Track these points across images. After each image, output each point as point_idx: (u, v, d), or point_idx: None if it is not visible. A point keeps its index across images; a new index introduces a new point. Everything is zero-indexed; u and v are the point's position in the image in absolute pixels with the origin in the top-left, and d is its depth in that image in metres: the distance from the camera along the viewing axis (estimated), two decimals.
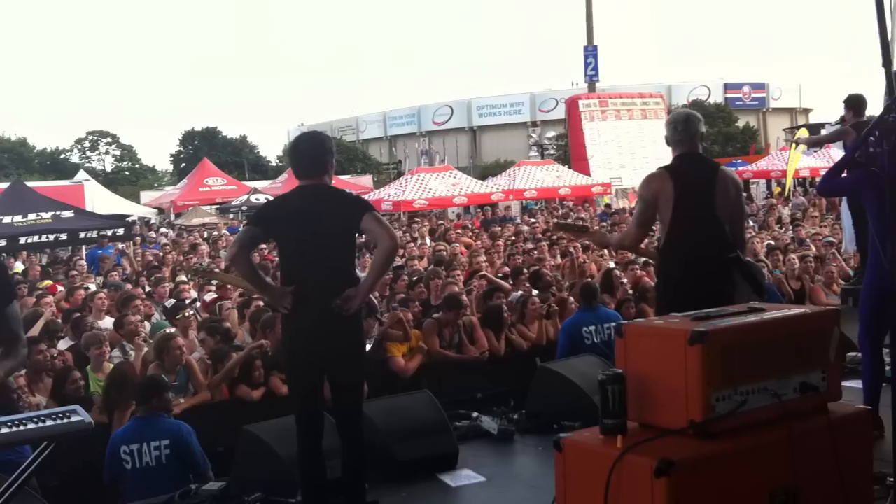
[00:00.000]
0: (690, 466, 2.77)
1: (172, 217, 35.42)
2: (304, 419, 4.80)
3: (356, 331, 4.84)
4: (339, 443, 4.95)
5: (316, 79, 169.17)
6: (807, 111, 70.36)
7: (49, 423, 4.21)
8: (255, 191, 35.15)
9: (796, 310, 3.42)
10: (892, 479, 3.69)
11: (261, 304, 8.68)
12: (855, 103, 8.66)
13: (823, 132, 36.41)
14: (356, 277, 4.91)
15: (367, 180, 44.00)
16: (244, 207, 33.14)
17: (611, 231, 15.96)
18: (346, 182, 39.73)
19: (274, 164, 68.35)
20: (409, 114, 74.70)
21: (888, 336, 5.23)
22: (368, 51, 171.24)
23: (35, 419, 4.23)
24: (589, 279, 10.42)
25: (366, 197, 27.06)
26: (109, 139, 71.49)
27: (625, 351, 3.14)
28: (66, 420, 4.28)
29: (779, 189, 31.31)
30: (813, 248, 11.48)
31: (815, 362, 3.20)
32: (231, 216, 32.90)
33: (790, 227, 14.73)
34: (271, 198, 36.45)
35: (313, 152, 4.89)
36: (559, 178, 29.00)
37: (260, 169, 63.72)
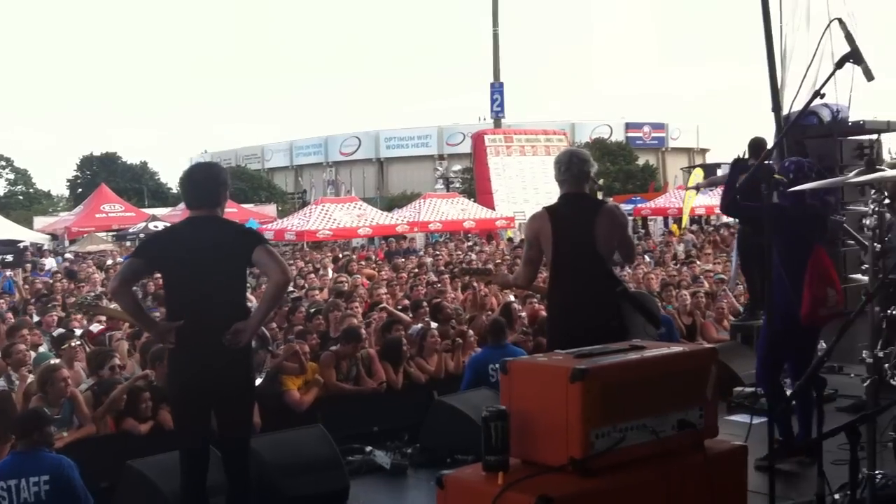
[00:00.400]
0: (569, 503, 2.80)
1: (66, 243, 34.30)
2: (189, 454, 4.69)
3: (245, 364, 4.77)
4: (223, 479, 4.86)
5: (220, 106, 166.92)
6: (703, 151, 72.92)
7: None
8: (154, 218, 34.43)
9: (675, 348, 3.51)
10: None
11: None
12: (756, 146, 9.04)
13: (719, 172, 37.81)
14: (247, 310, 4.85)
15: (271, 209, 43.58)
16: (142, 235, 32.41)
17: (513, 266, 16.21)
18: (249, 211, 39.26)
19: (175, 191, 67.03)
20: (315, 143, 74.37)
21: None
22: (275, 79, 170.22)
23: None
24: (490, 312, 10.51)
25: (269, 226, 26.87)
26: (3, 162, 68.97)
27: (509, 387, 3.17)
28: None
29: (675, 226, 32.29)
30: (706, 285, 11.81)
31: (693, 400, 3.29)
32: (128, 243, 32.09)
33: (685, 264, 15.13)
34: (170, 225, 35.89)
35: (207, 183, 4.80)
36: (464, 210, 29.27)
37: (160, 196, 62.48)
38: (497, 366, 7.70)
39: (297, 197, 58.68)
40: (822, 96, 4.41)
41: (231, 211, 36.09)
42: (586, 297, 4.93)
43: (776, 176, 5.17)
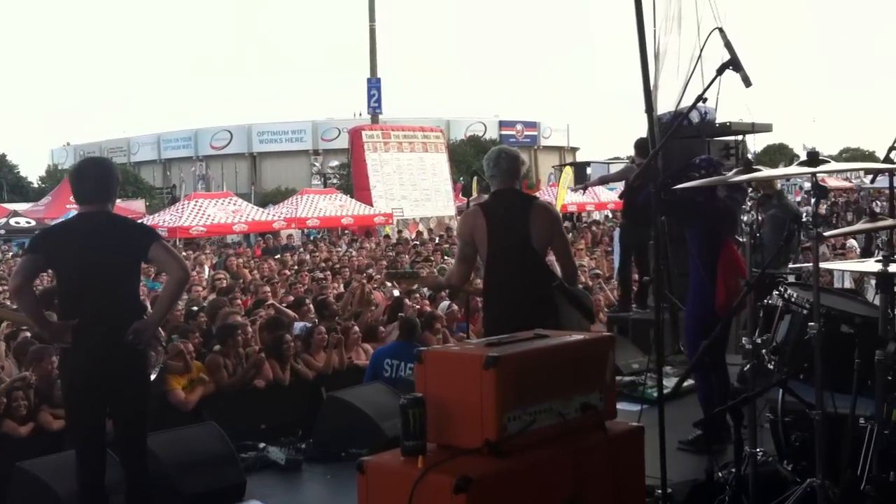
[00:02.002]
0: (487, 482, 2.95)
1: None
2: (86, 455, 4.61)
3: (141, 361, 4.75)
4: (122, 478, 4.80)
5: (84, 96, 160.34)
6: (574, 150, 74.91)
7: None
8: (15, 213, 32.83)
9: (576, 336, 3.70)
10: (659, 492, 4.06)
11: (28, 335, 8.18)
12: (642, 146, 9.47)
13: (589, 170, 39.04)
14: (143, 307, 4.82)
15: (139, 205, 42.14)
16: (2, 231, 30.92)
17: (395, 261, 16.33)
18: (116, 206, 37.91)
19: (36, 185, 64.06)
20: (185, 137, 72.33)
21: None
22: (141, 69, 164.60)
23: None
24: (373, 308, 10.62)
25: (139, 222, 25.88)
26: None
27: (424, 376, 3.29)
28: None
29: None
30: (581, 279, 12.24)
31: (594, 384, 3.49)
32: None
33: None
34: (32, 221, 34.21)
35: (101, 178, 4.76)
36: (342, 207, 29.22)
37: (20, 190, 59.50)
38: (393, 361, 7.95)
39: (167, 192, 57.04)
40: (705, 101, 4.71)
41: None
42: (523, 293, 4.99)
43: (689, 174, 5.46)
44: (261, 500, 5.67)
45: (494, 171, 5.22)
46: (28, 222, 31.82)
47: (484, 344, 3.40)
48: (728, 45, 4.37)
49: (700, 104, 6.32)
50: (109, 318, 4.53)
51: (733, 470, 4.07)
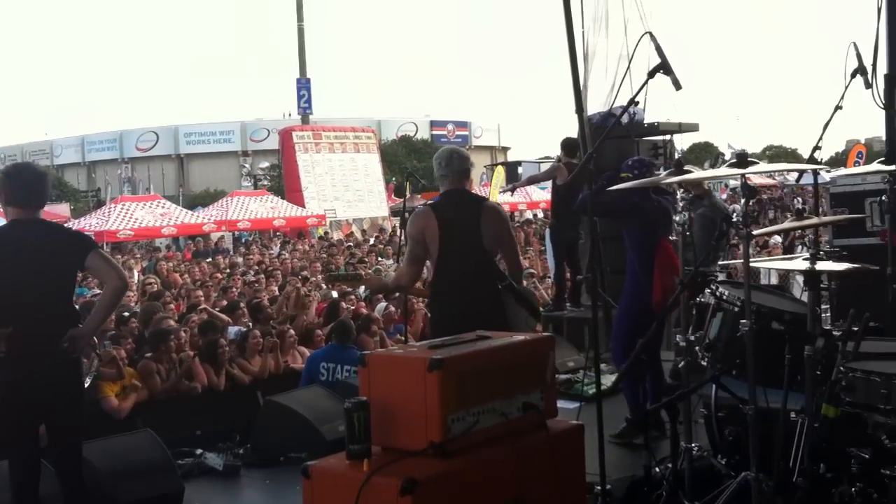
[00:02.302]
0: (432, 483, 2.98)
1: None
2: (19, 465, 4.52)
3: (75, 370, 4.69)
4: (57, 488, 4.71)
5: (2, 97, 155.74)
6: (505, 150, 75.40)
7: None
8: None
9: (518, 337, 3.75)
10: (599, 488, 4.14)
11: None
12: (568, 146, 9.57)
13: (520, 169, 39.36)
14: (78, 316, 4.75)
15: (63, 209, 40.98)
16: None
17: (328, 263, 16.25)
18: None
19: None
20: (110, 139, 70.77)
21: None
22: (63, 69, 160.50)
23: None
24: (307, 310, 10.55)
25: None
26: None
27: (368, 379, 3.30)
28: None
29: None
30: None
31: (535, 384, 3.54)
32: None
33: None
34: None
35: (37, 184, 4.69)
36: (274, 209, 28.93)
37: None
38: (329, 364, 7.91)
39: (91, 195, 55.74)
40: (637, 104, 4.80)
41: None
42: (473, 293, 4.98)
43: (622, 175, 5.55)
44: None
45: (446, 170, 5.18)
46: None
47: (427, 346, 3.42)
48: (658, 49, 4.47)
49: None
50: (44, 327, 4.47)
51: (670, 465, 4.16)
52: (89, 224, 26.21)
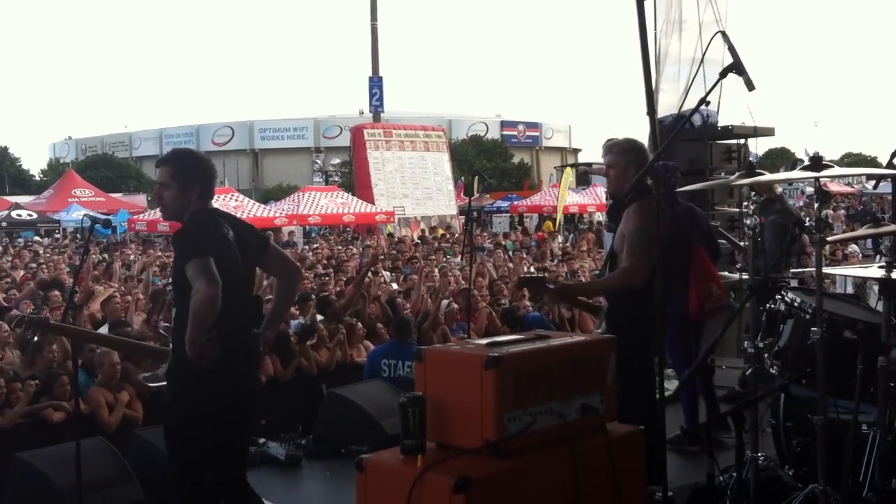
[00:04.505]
0: (486, 483, 2.94)
1: None
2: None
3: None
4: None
5: (86, 90, 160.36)
6: (576, 151, 74.91)
7: None
8: (17, 206, 32.91)
9: (577, 337, 3.69)
10: (660, 495, 4.05)
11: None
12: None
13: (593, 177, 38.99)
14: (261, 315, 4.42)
15: (141, 199, 42.21)
16: (4, 223, 30.95)
17: (396, 261, 16.24)
18: (119, 200, 37.98)
19: (38, 178, 64.04)
20: (187, 132, 72.37)
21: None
22: (143, 64, 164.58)
23: None
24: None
25: (141, 217, 25.69)
26: None
27: (424, 375, 3.28)
28: None
29: (549, 224, 33.12)
30: (582, 280, 12.23)
31: (595, 386, 3.47)
32: None
33: (562, 261, 15.57)
34: (34, 214, 34.22)
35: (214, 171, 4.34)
36: (344, 204, 29.19)
37: (22, 183, 59.55)
38: (390, 361, 7.92)
39: None
40: (708, 104, 4.68)
41: (99, 200, 35.22)
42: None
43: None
44: (261, 495, 5.64)
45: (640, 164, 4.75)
46: (30, 215, 31.89)
47: (485, 344, 3.38)
48: (731, 49, 4.35)
49: (702, 107, 6.29)
50: (246, 328, 4.11)
51: (734, 474, 4.05)
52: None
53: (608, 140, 5.15)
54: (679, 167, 6.26)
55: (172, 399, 4.07)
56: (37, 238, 29.22)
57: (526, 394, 3.18)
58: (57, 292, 10.14)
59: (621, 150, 4.81)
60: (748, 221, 4.70)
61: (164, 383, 4.27)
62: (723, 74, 4.33)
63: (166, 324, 4.83)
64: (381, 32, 36.34)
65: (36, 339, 6.98)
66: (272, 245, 4.43)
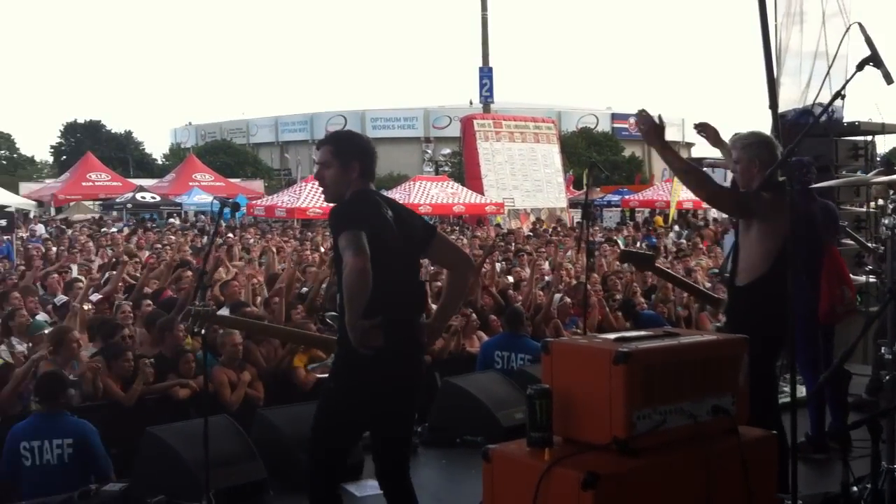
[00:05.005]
0: (615, 480, 2.91)
1: (52, 211, 34.07)
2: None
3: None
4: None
5: (204, 77, 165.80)
6: (689, 145, 73.09)
7: None
8: (141, 189, 34.29)
9: (709, 336, 3.61)
10: (790, 503, 3.93)
11: (151, 306, 8.51)
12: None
13: (707, 169, 38.06)
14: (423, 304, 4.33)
15: (258, 185, 43.45)
16: (129, 205, 32.29)
17: (506, 252, 16.21)
18: (238, 186, 39.15)
19: (160, 162, 66.57)
20: (301, 121, 73.99)
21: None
22: (260, 52, 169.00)
23: None
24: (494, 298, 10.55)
25: (259, 202, 26.22)
26: None
27: (550, 367, 3.27)
28: None
29: (659, 219, 32.50)
30: (699, 278, 11.95)
31: (726, 387, 3.39)
32: (115, 213, 31.97)
33: (677, 258, 15.22)
34: (157, 197, 35.67)
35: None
36: (454, 195, 29.32)
37: (145, 167, 62.05)
38: (503, 353, 7.92)
39: (284, 174, 58.43)
40: (844, 97, 4.50)
41: (218, 185, 36.37)
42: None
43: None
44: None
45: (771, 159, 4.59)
46: (153, 197, 33.18)
47: (613, 339, 3.34)
48: (868, 41, 4.17)
49: (823, 102, 6.01)
50: (410, 318, 3.93)
51: (868, 485, 3.90)
52: (282, 201, 27.53)
53: (735, 134, 5.00)
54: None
55: (333, 383, 3.97)
56: (172, 220, 30.21)
57: (656, 392, 3.13)
58: (189, 272, 10.49)
59: (744, 145, 4.66)
60: (886, 221, 4.50)
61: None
62: (859, 67, 4.16)
63: (333, 312, 4.82)
64: (492, 23, 36.29)
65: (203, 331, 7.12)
66: (440, 234, 4.25)
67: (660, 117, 4.44)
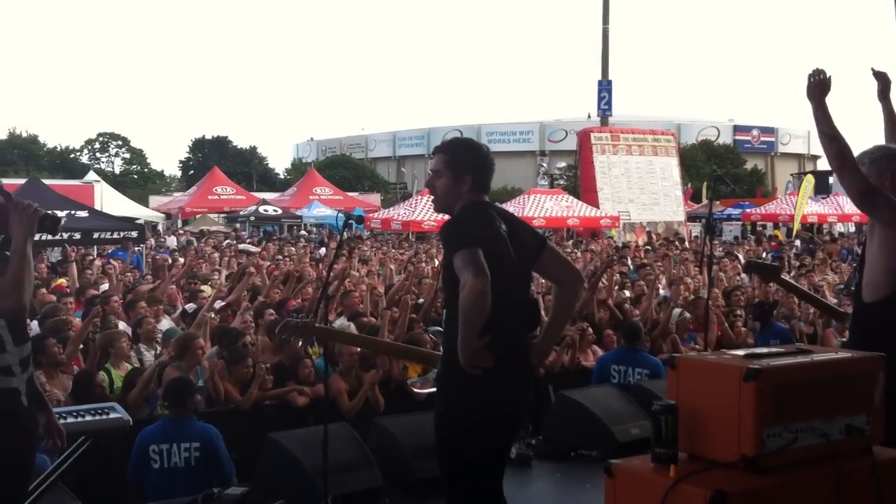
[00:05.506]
0: (743, 499, 2.81)
1: (179, 223, 35.49)
2: None
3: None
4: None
5: (325, 95, 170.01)
6: (815, 158, 70.72)
7: (88, 418, 4.28)
8: (264, 202, 35.34)
9: (843, 353, 3.46)
10: None
11: (274, 315, 8.72)
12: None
13: (831, 179, 36.67)
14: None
15: (374, 198, 44.21)
16: (252, 218, 33.32)
17: (620, 263, 15.98)
18: (355, 199, 39.94)
19: (282, 176, 68.55)
20: (418, 135, 75.02)
21: None
22: (378, 69, 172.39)
23: (74, 413, 4.28)
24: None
25: (376, 215, 26.68)
26: (120, 142, 71.92)
27: (677, 383, 3.19)
28: (104, 416, 4.35)
29: (778, 232, 31.49)
30: (826, 294, 11.50)
31: (860, 405, 3.25)
32: (238, 226, 33.04)
33: (801, 274, 14.70)
34: (279, 210, 36.72)
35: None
36: (568, 208, 29.14)
37: (268, 181, 63.99)
38: (620, 367, 7.79)
39: (400, 187, 59.29)
40: None
41: (337, 198, 37.17)
42: None
43: None
44: None
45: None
46: (275, 210, 34.15)
47: (743, 355, 3.24)
48: None
49: None
50: (521, 336, 3.79)
51: None
52: (398, 214, 27.96)
53: (861, 152, 4.76)
54: None
55: (443, 405, 3.79)
56: (303, 233, 30.95)
57: (786, 409, 3.02)
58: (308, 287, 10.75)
59: (872, 159, 4.45)
60: None
61: (434, 389, 4.13)
62: None
63: (437, 328, 4.77)
64: (612, 35, 35.84)
65: (301, 343, 7.25)
66: (550, 246, 4.08)
67: (830, 77, 4.27)
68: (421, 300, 9.96)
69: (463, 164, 3.88)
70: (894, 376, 3.96)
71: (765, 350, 3.33)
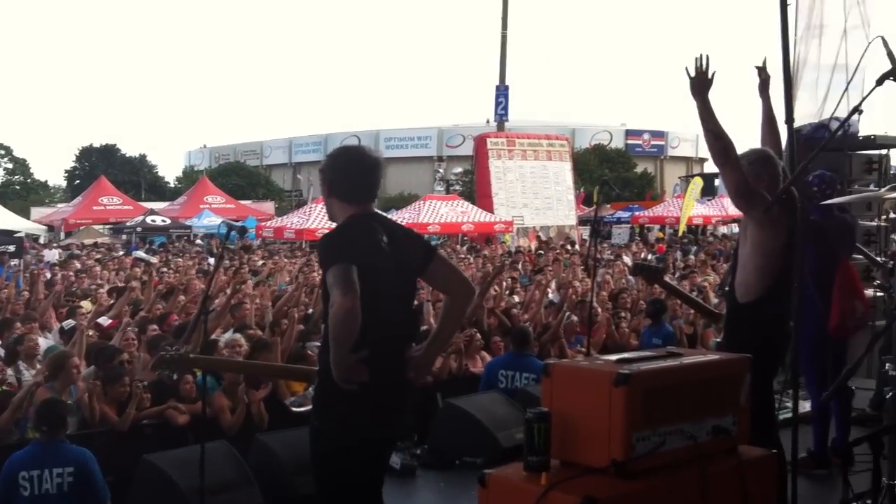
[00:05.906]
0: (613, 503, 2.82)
1: (62, 235, 34.17)
2: None
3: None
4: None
5: (219, 101, 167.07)
6: (702, 160, 73.00)
7: None
8: (152, 212, 34.39)
9: (711, 356, 3.53)
10: None
11: (157, 329, 8.44)
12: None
13: (717, 181, 37.96)
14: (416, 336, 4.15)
15: (269, 206, 43.53)
16: (139, 229, 32.36)
17: (510, 269, 16.14)
18: (248, 207, 39.22)
19: (172, 185, 66.91)
20: (315, 141, 74.19)
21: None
22: (274, 75, 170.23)
23: None
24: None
25: (268, 224, 26.21)
26: (2, 151, 68.88)
27: (550, 390, 3.19)
28: None
29: (660, 234, 32.40)
30: (707, 295, 11.82)
31: (727, 407, 3.32)
32: (124, 237, 32.04)
33: (684, 276, 15.08)
34: (168, 220, 35.65)
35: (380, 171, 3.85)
36: (463, 213, 29.27)
37: (157, 190, 62.37)
38: (507, 372, 7.82)
39: (295, 195, 58.58)
40: (861, 112, 4.43)
41: (229, 207, 36.43)
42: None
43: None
44: None
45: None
46: (163, 220, 33.23)
47: (614, 360, 3.26)
48: (890, 55, 4.11)
49: (840, 116, 5.93)
50: (397, 350, 3.70)
51: (869, 501, 3.80)
52: (291, 222, 27.56)
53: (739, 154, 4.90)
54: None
55: (319, 422, 3.70)
56: (200, 242, 30.10)
57: (656, 413, 3.06)
58: (182, 298, 10.47)
59: (749, 162, 4.59)
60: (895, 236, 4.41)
61: (310, 407, 4.05)
62: (879, 82, 4.10)
63: (316, 343, 4.64)
64: (509, 41, 36.18)
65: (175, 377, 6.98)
66: (439, 256, 3.95)
67: (713, 73, 4.30)
68: (310, 311, 9.80)
69: (327, 177, 3.82)
70: (766, 376, 4.09)
71: (636, 355, 3.37)
